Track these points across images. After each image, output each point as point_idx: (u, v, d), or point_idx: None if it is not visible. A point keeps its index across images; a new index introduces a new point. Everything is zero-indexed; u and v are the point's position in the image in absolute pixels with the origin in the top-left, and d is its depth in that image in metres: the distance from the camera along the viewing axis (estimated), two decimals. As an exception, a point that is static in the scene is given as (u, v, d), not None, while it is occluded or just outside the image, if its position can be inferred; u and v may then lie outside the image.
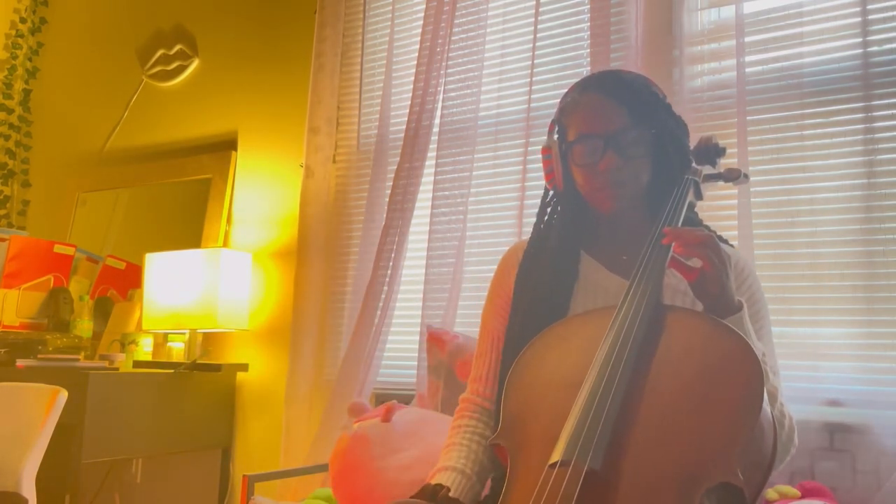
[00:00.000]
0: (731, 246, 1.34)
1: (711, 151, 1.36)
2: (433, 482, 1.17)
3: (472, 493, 1.19)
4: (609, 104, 1.20)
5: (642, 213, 1.27)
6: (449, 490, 1.14)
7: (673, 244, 1.11)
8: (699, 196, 1.32)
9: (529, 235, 1.36)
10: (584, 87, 1.25)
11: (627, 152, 1.19)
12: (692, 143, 1.40)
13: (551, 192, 1.33)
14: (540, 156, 1.32)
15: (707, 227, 1.33)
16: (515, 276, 1.31)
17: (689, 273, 1.10)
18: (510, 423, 1.07)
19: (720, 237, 1.33)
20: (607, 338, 1.04)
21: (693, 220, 1.33)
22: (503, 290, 1.33)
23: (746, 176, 1.41)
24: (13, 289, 2.72)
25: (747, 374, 0.94)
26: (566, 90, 1.31)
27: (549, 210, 1.34)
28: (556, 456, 0.93)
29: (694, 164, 1.34)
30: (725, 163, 1.65)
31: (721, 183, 1.39)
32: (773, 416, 0.98)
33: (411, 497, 1.11)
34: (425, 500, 1.11)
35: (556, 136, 1.28)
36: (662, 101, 1.26)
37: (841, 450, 1.54)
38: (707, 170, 1.35)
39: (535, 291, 1.25)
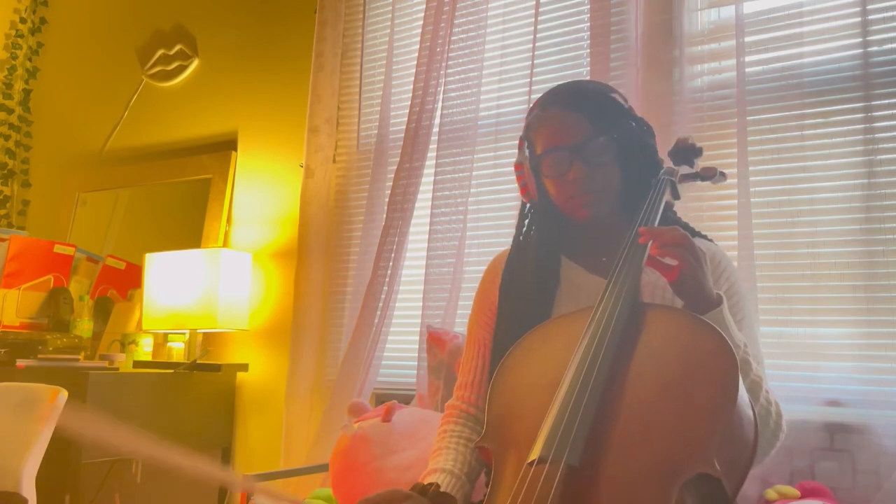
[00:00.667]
0: (709, 240, 1.35)
1: (689, 151, 1.38)
2: (423, 483, 1.19)
3: (462, 492, 1.20)
4: (570, 116, 1.24)
5: (618, 215, 1.30)
6: (439, 486, 1.16)
7: (649, 244, 1.13)
8: (676, 196, 1.33)
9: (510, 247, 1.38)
10: (544, 104, 1.29)
11: (594, 160, 1.22)
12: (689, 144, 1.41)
13: (528, 205, 1.37)
14: None
15: (686, 225, 1.35)
16: (499, 285, 1.33)
17: (668, 272, 1.12)
18: (495, 426, 1.08)
19: (697, 232, 1.35)
20: (584, 337, 1.06)
21: (671, 220, 1.34)
22: (488, 299, 1.36)
23: (723, 174, 1.43)
24: (13, 289, 2.72)
25: (723, 369, 0.95)
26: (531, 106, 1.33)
27: (526, 222, 1.37)
28: (534, 454, 0.94)
29: (671, 165, 1.35)
30: (725, 163, 1.66)
31: (699, 182, 1.40)
32: (754, 410, 0.98)
33: None
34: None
35: (526, 152, 1.32)
36: (623, 106, 1.29)
37: (841, 450, 1.54)
38: (684, 170, 1.36)
39: (519, 299, 1.28)
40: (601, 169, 1.23)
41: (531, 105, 1.34)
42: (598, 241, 1.30)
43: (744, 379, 1.05)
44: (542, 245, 1.31)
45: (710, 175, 1.39)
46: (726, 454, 0.90)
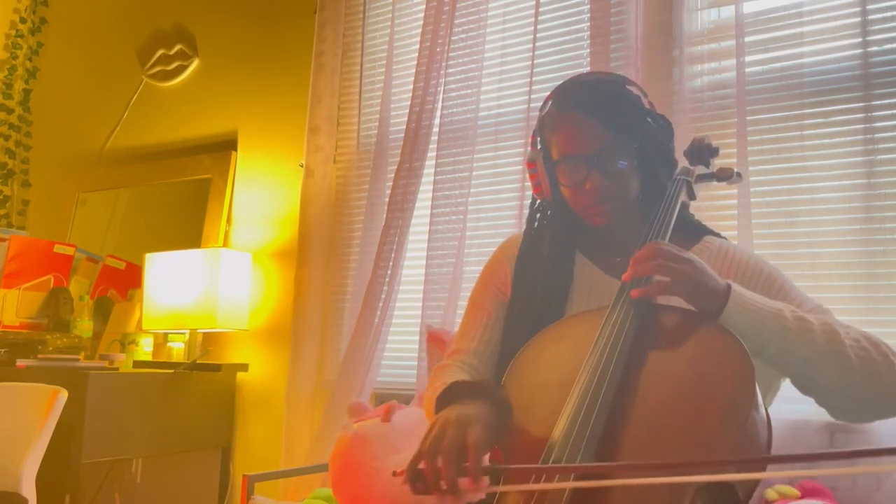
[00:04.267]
0: (721, 237, 1.33)
1: (704, 152, 1.37)
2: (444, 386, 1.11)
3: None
4: (589, 123, 1.19)
5: (635, 217, 1.28)
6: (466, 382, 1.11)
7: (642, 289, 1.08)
8: (692, 196, 1.32)
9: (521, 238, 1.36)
10: (561, 104, 1.23)
11: (612, 170, 1.20)
12: (687, 144, 1.40)
13: (540, 201, 1.34)
14: None
15: (699, 224, 1.34)
16: (511, 277, 1.31)
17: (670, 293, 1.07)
18: None
19: (709, 230, 1.33)
20: (599, 338, 1.05)
21: (687, 220, 1.33)
22: (502, 273, 1.33)
23: (739, 175, 1.42)
24: (13, 289, 2.72)
25: (738, 373, 0.94)
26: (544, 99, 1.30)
27: (538, 216, 1.34)
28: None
29: (687, 165, 1.34)
30: (724, 163, 1.65)
31: (714, 182, 1.39)
32: (767, 412, 0.98)
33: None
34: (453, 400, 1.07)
35: (539, 148, 1.29)
36: (642, 105, 1.24)
37: (841, 450, 1.53)
38: (700, 170, 1.35)
39: (531, 295, 1.26)
40: (619, 179, 1.20)
41: (545, 97, 1.29)
42: (615, 240, 1.28)
43: (811, 336, 1.04)
44: (555, 240, 1.29)
45: (727, 176, 1.38)
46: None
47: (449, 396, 1.07)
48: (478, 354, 1.27)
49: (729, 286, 1.07)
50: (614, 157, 1.19)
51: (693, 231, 1.31)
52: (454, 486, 0.89)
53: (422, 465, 0.93)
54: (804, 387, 1.11)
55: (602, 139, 1.19)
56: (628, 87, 1.25)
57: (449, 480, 0.90)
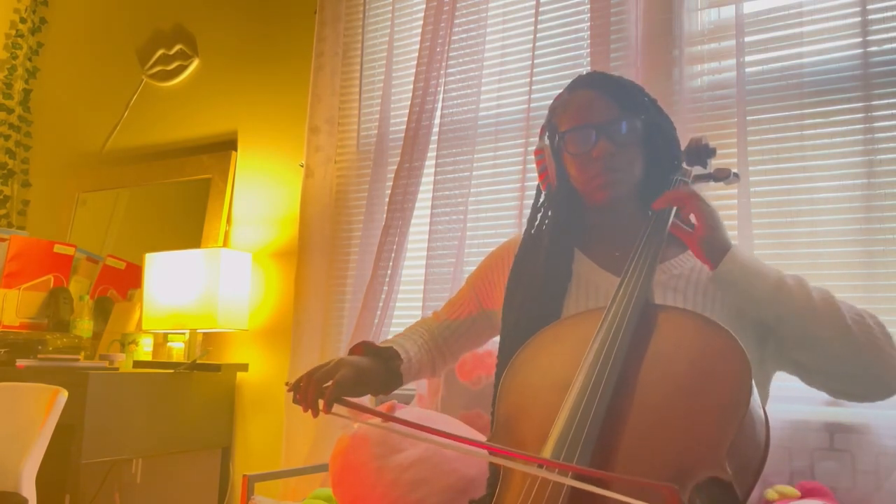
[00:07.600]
0: None
1: (702, 152, 1.38)
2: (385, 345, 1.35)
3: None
4: (599, 97, 1.26)
5: (635, 207, 1.30)
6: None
7: (666, 228, 1.19)
8: None
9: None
10: (573, 87, 1.31)
11: (619, 139, 1.24)
12: (685, 144, 1.41)
13: (543, 195, 1.36)
14: None
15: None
16: (508, 277, 1.33)
17: (692, 234, 1.17)
18: (503, 424, 1.07)
19: None
20: (596, 338, 1.05)
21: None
22: (493, 275, 1.41)
23: (737, 175, 1.43)
24: (13, 289, 2.72)
25: (735, 371, 0.95)
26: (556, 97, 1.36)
27: (539, 215, 1.36)
28: (544, 455, 0.93)
29: (684, 165, 1.35)
30: (724, 163, 1.65)
31: (712, 183, 1.40)
32: (765, 411, 0.98)
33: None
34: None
35: (546, 139, 1.32)
36: (649, 96, 1.32)
37: (841, 450, 1.53)
38: (697, 170, 1.36)
39: (528, 291, 1.27)
40: (625, 149, 1.25)
41: (555, 97, 1.36)
42: (614, 233, 1.30)
43: (808, 294, 1.11)
44: (555, 234, 1.31)
45: (724, 176, 1.39)
46: (738, 457, 0.89)
47: (355, 349, 1.35)
48: (442, 327, 1.45)
49: (732, 246, 1.15)
50: (622, 128, 1.25)
51: None
52: (314, 405, 1.18)
53: (302, 383, 1.21)
54: (801, 345, 1.14)
55: (612, 111, 1.25)
56: (636, 84, 1.33)
57: (311, 398, 1.18)
